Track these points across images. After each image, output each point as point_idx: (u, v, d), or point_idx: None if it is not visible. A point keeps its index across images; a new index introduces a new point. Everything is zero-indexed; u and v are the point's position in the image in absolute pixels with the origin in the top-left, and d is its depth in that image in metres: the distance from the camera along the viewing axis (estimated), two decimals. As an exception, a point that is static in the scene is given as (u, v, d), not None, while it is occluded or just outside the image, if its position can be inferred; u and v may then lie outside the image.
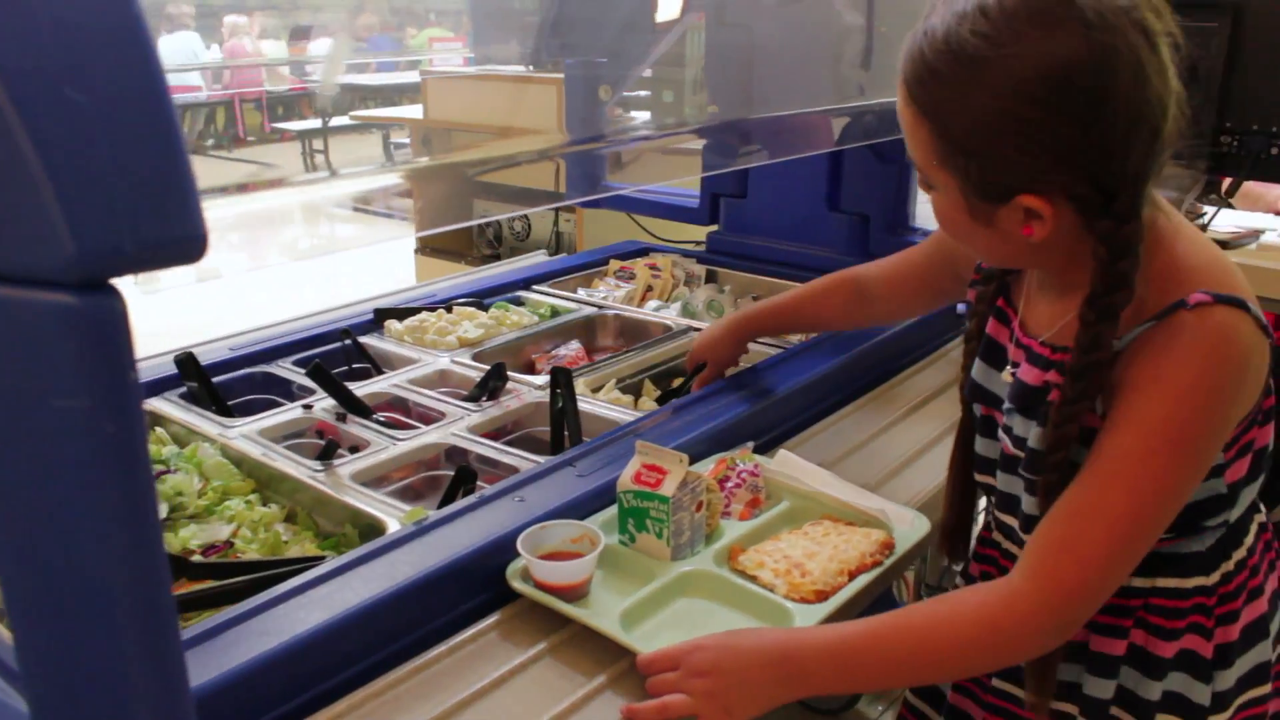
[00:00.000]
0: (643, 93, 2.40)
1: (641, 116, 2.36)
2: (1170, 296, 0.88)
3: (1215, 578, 1.02)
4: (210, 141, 9.61)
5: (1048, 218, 0.87)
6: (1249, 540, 1.05)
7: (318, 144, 8.11)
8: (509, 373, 1.58)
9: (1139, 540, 0.89)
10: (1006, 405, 1.03)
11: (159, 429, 1.40)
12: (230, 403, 1.51)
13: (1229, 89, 1.82)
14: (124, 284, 0.50)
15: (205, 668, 0.85)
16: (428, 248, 3.39)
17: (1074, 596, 0.88)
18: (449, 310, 1.81)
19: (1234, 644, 1.02)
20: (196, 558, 1.16)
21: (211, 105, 9.49)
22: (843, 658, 0.91)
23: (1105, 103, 0.82)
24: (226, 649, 0.88)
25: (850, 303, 1.43)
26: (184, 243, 0.51)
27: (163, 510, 1.21)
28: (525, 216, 3.30)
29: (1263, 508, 1.10)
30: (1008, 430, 1.03)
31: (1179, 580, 1.01)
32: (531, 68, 3.02)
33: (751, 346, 1.76)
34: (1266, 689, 1.07)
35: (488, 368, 1.55)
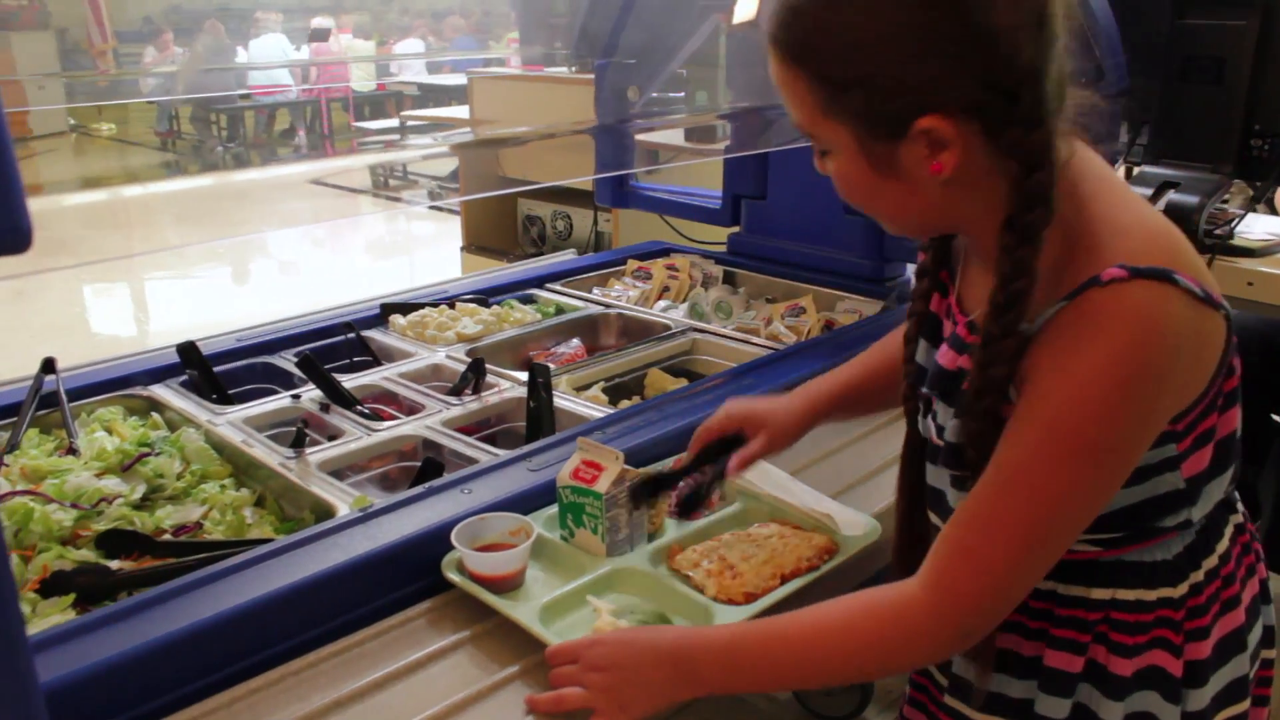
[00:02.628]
0: (672, 93, 2.45)
1: (667, 108, 2.43)
2: (1084, 271, 0.78)
3: (1183, 589, 0.93)
4: (298, 137, 9.95)
5: (952, 140, 0.79)
6: (1222, 546, 0.96)
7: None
8: (500, 369, 1.61)
9: (1044, 548, 0.83)
10: (925, 389, 0.96)
11: (154, 414, 1.47)
12: (231, 391, 1.57)
13: (1258, 89, 1.73)
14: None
15: (122, 640, 0.89)
16: (474, 245, 3.46)
17: (970, 607, 0.84)
18: (452, 306, 1.85)
19: (1207, 660, 0.94)
20: (166, 537, 1.22)
21: (301, 104, 9.81)
22: (733, 660, 0.90)
23: None
24: (155, 622, 0.92)
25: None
26: (6, 234, 0.54)
27: (141, 490, 1.27)
28: (567, 216, 3.34)
29: (1240, 507, 1.00)
30: (933, 416, 0.96)
31: (1142, 592, 0.93)
32: (574, 69, 3.09)
33: (741, 347, 1.77)
34: (1244, 705, 0.98)
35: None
